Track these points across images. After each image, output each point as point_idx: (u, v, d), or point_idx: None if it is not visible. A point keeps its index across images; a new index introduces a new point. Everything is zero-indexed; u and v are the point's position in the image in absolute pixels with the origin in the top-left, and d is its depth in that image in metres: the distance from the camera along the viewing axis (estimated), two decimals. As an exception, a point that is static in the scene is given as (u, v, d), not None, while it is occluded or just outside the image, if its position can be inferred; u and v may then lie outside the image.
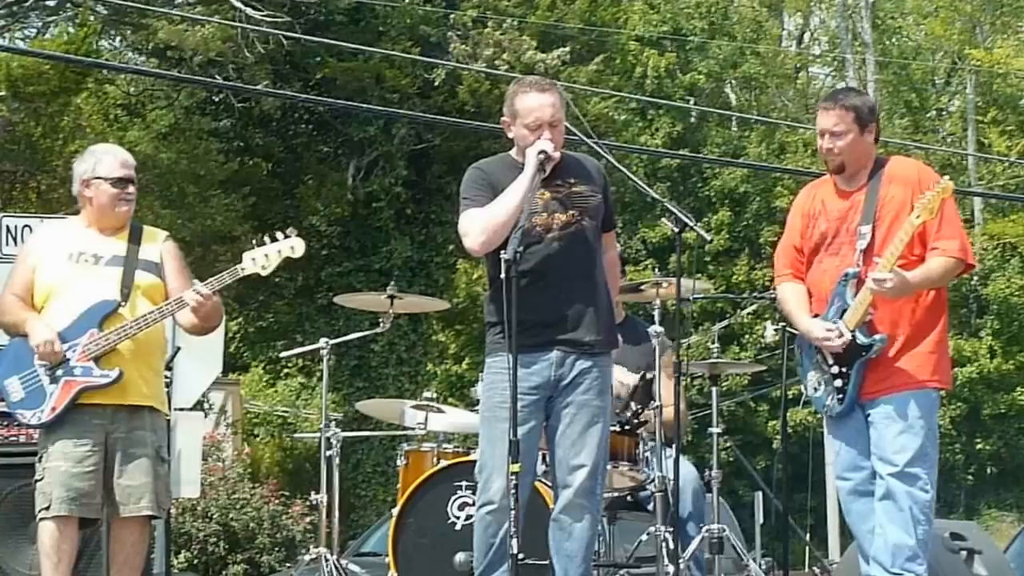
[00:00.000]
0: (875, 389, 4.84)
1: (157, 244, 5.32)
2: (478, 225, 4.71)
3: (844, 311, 4.85)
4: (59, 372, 5.09)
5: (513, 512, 4.45)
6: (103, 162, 5.25)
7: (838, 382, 4.88)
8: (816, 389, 4.97)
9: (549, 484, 5.00)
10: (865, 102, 4.99)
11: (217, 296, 5.23)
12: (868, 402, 4.86)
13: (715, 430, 6.53)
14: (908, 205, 4.81)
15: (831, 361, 4.88)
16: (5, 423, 6.19)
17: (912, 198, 4.81)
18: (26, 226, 8.30)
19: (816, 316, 4.94)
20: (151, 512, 5.16)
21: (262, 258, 5.26)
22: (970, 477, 29.58)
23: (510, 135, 4.85)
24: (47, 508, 5.05)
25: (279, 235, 5.29)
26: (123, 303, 5.14)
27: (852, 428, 4.91)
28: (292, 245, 5.27)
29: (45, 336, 5.08)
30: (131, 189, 5.27)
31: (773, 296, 5.51)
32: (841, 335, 4.81)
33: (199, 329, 5.33)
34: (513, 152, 4.89)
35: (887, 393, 4.82)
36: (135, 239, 5.28)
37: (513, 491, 4.44)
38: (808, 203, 5.04)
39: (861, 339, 4.82)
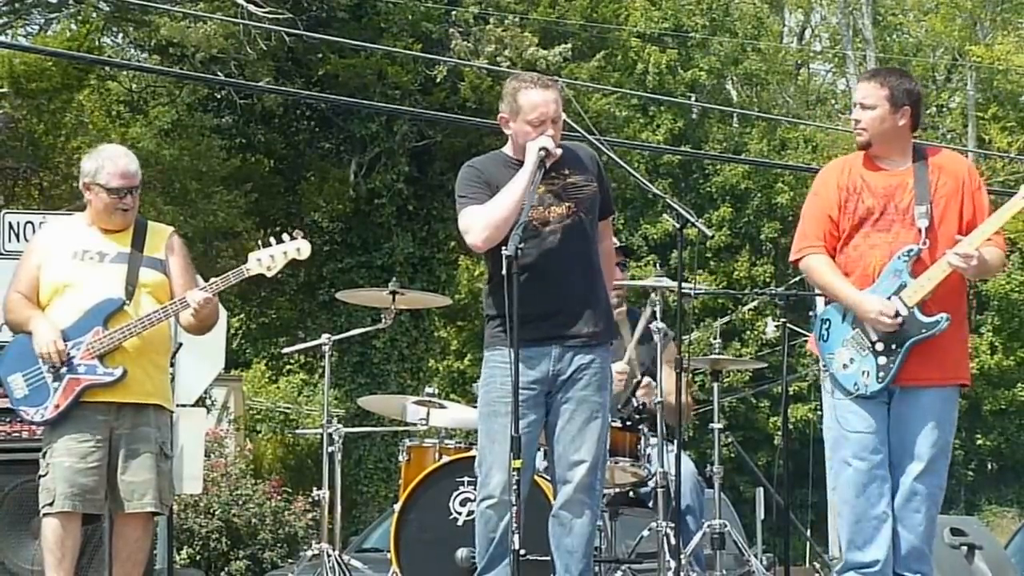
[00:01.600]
0: (915, 377, 4.71)
1: (163, 240, 5.32)
2: (480, 222, 4.70)
3: (901, 287, 4.69)
4: (63, 370, 5.09)
5: (514, 508, 4.45)
6: (103, 169, 5.22)
7: (882, 359, 4.70)
8: (846, 366, 4.77)
9: (550, 479, 5.01)
10: (903, 83, 4.83)
11: (215, 304, 5.24)
12: (901, 389, 4.73)
13: (716, 426, 6.53)
14: (959, 194, 4.76)
15: (875, 337, 4.72)
16: (7, 419, 6.20)
17: (962, 188, 4.76)
18: (28, 222, 8.32)
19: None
20: (155, 508, 5.17)
21: (267, 259, 5.27)
22: (971, 473, 29.58)
23: (507, 131, 4.84)
24: (51, 504, 5.06)
25: (285, 236, 5.30)
26: (128, 301, 5.15)
27: (879, 409, 4.74)
28: (298, 247, 5.28)
29: (48, 339, 5.08)
30: (128, 200, 5.22)
31: (774, 292, 5.42)
32: (897, 313, 4.67)
33: (196, 329, 5.34)
34: (507, 149, 4.88)
35: (926, 384, 4.71)
36: (140, 236, 5.28)
37: (515, 486, 4.44)
38: (844, 177, 4.86)
39: (922, 318, 4.67)
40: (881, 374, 4.71)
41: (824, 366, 4.90)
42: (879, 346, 4.72)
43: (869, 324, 4.73)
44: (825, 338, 4.87)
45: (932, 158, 4.85)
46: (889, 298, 4.70)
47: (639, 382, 6.03)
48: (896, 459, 4.75)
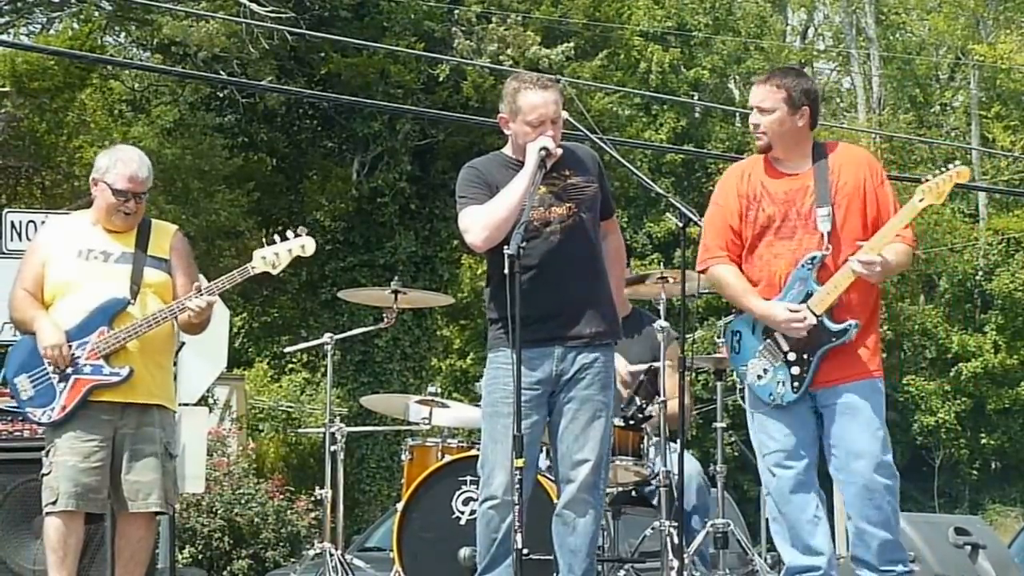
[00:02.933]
0: (832, 377, 4.68)
1: (167, 239, 5.31)
2: (480, 222, 4.70)
3: (807, 295, 4.66)
4: (69, 370, 5.09)
5: (517, 507, 4.45)
6: (114, 169, 5.20)
7: (795, 369, 4.69)
8: (760, 376, 4.75)
9: (553, 479, 5.00)
10: (800, 83, 4.76)
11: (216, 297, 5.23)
12: (822, 391, 4.70)
13: (720, 425, 6.52)
14: (861, 191, 4.69)
15: (787, 347, 4.70)
16: (9, 418, 6.19)
17: (864, 185, 4.70)
18: (30, 221, 8.33)
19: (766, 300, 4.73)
20: (159, 508, 5.17)
21: (272, 257, 5.26)
22: (974, 472, 29.56)
23: (507, 132, 4.84)
24: (53, 503, 5.06)
25: (289, 233, 5.29)
26: (132, 301, 5.14)
27: (798, 417, 4.73)
28: (303, 244, 5.27)
29: (53, 340, 5.07)
30: (131, 204, 5.20)
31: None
32: (805, 319, 4.63)
33: (192, 330, 5.34)
34: (507, 149, 4.88)
35: (847, 381, 4.67)
36: (144, 235, 5.27)
37: (517, 486, 4.44)
38: (743, 184, 4.81)
39: (832, 325, 4.65)
40: (796, 384, 4.70)
41: (737, 378, 4.89)
42: (791, 356, 4.71)
43: (781, 332, 4.70)
44: (737, 350, 4.86)
45: (832, 156, 4.77)
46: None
47: (642, 382, 6.01)
48: (840, 459, 4.70)
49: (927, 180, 4.71)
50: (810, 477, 4.75)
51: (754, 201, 4.76)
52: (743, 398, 4.96)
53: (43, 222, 7.93)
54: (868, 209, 4.70)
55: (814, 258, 4.66)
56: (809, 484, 4.74)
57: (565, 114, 4.83)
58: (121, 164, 5.21)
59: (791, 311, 4.64)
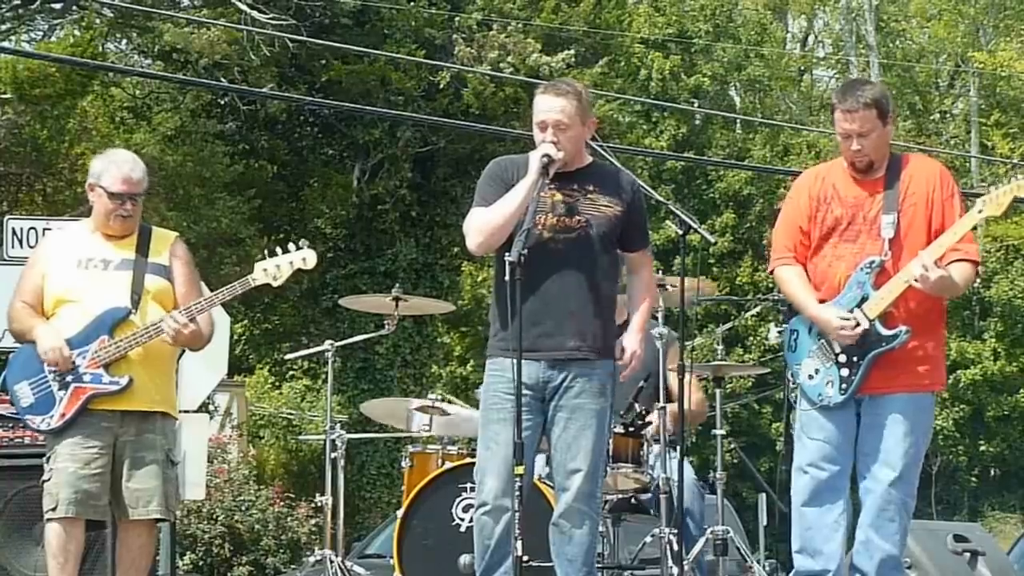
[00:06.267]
0: (881, 386, 4.72)
1: (166, 246, 5.32)
2: (476, 227, 4.72)
3: (863, 299, 4.71)
4: (68, 378, 5.10)
5: (516, 513, 4.46)
6: (107, 173, 5.21)
7: (844, 371, 4.73)
8: (812, 376, 4.80)
9: (552, 486, 5.01)
10: (882, 92, 4.85)
11: (206, 315, 5.21)
12: (869, 398, 4.74)
13: (719, 432, 6.53)
14: (928, 201, 4.74)
15: (838, 349, 4.75)
16: (10, 424, 6.20)
17: (930, 197, 4.74)
18: (31, 228, 8.34)
19: (822, 302, 4.78)
20: (160, 515, 5.18)
21: (273, 269, 5.26)
22: (974, 479, 29.57)
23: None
24: (54, 509, 5.06)
25: (291, 246, 5.29)
26: (134, 309, 5.15)
27: (841, 421, 4.77)
28: (304, 257, 5.27)
29: (52, 342, 5.08)
30: (128, 206, 5.20)
31: (777, 297, 5.41)
32: (857, 325, 4.68)
33: (185, 345, 5.33)
34: None
35: (896, 391, 4.71)
36: (144, 242, 5.27)
37: (517, 493, 4.45)
38: (817, 186, 4.88)
39: (883, 330, 4.69)
40: (844, 386, 4.74)
41: (791, 376, 4.92)
42: (842, 358, 4.75)
43: (830, 336, 4.75)
44: (793, 348, 4.91)
45: (905, 166, 4.84)
46: (852, 310, 4.71)
47: (642, 388, 6.02)
48: (867, 467, 4.74)
49: (988, 191, 4.74)
50: (840, 483, 4.77)
51: (824, 203, 4.83)
52: (793, 399, 4.99)
53: (45, 229, 7.95)
54: (933, 220, 4.75)
55: (873, 262, 4.72)
56: (837, 490, 4.76)
57: (576, 125, 4.75)
58: (115, 167, 5.22)
59: (842, 318, 4.68)
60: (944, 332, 4.93)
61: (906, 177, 4.79)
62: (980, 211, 4.68)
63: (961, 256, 4.72)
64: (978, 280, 29.17)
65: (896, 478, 4.68)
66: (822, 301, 4.79)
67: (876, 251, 4.73)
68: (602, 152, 5.18)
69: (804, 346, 4.86)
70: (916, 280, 4.63)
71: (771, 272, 5.01)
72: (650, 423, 5.93)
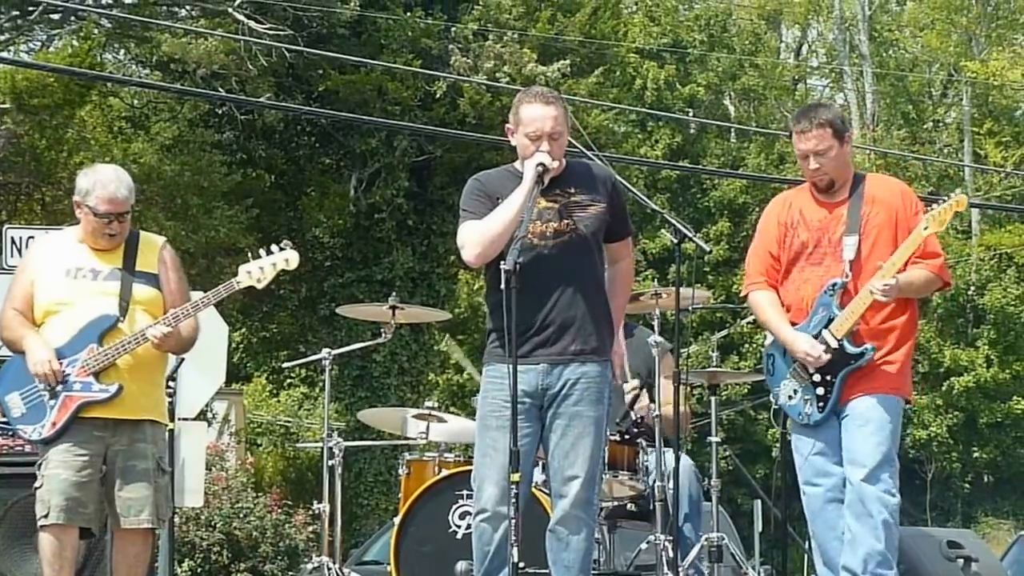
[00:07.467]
0: (853, 392, 4.88)
1: (155, 253, 5.33)
2: (474, 237, 4.73)
3: (830, 320, 4.88)
4: (59, 388, 5.12)
5: (513, 520, 4.48)
6: (94, 192, 5.20)
7: (820, 390, 4.91)
8: (791, 397, 4.98)
9: (549, 493, 5.05)
10: (836, 113, 5.04)
11: (191, 320, 5.24)
12: (844, 404, 4.91)
13: (714, 439, 6.56)
14: (893, 222, 4.90)
15: (812, 370, 4.91)
16: (10, 432, 6.23)
17: (896, 216, 4.90)
18: (30, 237, 8.38)
19: (793, 325, 4.96)
20: (150, 524, 5.19)
21: (257, 271, 5.28)
22: (967, 485, 29.61)
23: (513, 142, 4.87)
24: (45, 516, 5.09)
25: (274, 247, 5.31)
26: (122, 318, 5.16)
27: (827, 434, 4.94)
28: (287, 258, 5.28)
29: (42, 358, 5.10)
30: (115, 226, 5.21)
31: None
32: (827, 350, 4.85)
33: (172, 351, 5.37)
34: (517, 163, 4.89)
35: (861, 394, 4.86)
36: (132, 250, 5.28)
37: (513, 500, 4.47)
38: (784, 212, 5.06)
39: (851, 348, 4.86)
40: (821, 404, 4.91)
41: (772, 398, 5.09)
42: (816, 378, 4.93)
43: (799, 361, 4.92)
44: (771, 372, 5.10)
45: (868, 187, 4.98)
46: (819, 333, 4.87)
47: (637, 395, 6.07)
48: (846, 471, 4.88)
49: (929, 210, 4.88)
50: (838, 494, 4.90)
51: (791, 228, 5.01)
52: (775, 416, 5.21)
53: (42, 238, 7.98)
54: (899, 239, 4.89)
55: (835, 284, 4.89)
56: (837, 501, 4.90)
57: (565, 131, 4.83)
58: (100, 187, 5.21)
59: (807, 351, 4.85)
60: (913, 344, 5.06)
61: (868, 197, 4.94)
62: (925, 228, 4.84)
63: (921, 266, 4.90)
64: (971, 288, 29.30)
65: (868, 474, 4.78)
66: (794, 323, 4.97)
67: (839, 273, 4.89)
68: (596, 160, 5.23)
69: (781, 370, 5.05)
70: (878, 296, 4.79)
71: (745, 296, 5.20)
72: (643, 404, 5.97)
